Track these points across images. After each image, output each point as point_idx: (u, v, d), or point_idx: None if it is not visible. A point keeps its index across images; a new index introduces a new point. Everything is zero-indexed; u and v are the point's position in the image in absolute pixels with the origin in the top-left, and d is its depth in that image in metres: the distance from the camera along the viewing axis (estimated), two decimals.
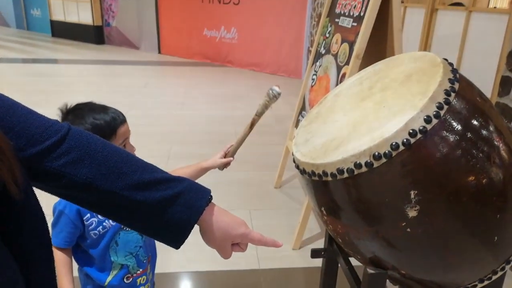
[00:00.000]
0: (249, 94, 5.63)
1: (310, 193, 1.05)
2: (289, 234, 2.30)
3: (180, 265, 1.99)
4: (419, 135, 0.81)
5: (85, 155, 0.65)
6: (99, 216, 1.07)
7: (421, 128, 0.81)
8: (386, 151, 0.81)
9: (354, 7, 1.93)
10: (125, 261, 1.14)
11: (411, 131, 0.81)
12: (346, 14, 2.03)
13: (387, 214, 0.88)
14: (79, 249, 1.12)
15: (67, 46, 9.77)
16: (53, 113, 1.03)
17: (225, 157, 1.24)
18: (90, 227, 1.07)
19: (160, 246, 1.37)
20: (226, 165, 1.25)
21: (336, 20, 2.18)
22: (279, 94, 1.12)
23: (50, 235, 0.66)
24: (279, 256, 2.14)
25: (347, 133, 0.94)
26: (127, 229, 1.12)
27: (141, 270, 1.18)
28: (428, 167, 0.83)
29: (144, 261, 1.19)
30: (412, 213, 0.85)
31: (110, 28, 9.98)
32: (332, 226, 1.02)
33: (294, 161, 1.04)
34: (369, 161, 0.83)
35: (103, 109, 1.04)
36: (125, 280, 1.16)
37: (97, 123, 1.01)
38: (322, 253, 1.40)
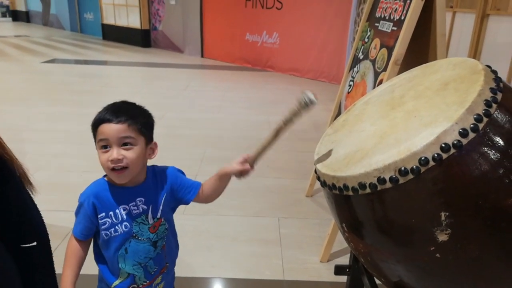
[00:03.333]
0: (288, 99, 5.57)
1: (331, 207, 0.97)
2: (318, 245, 2.21)
3: (203, 271, 1.96)
4: (452, 150, 0.72)
5: None
6: (114, 218, 1.06)
7: (455, 142, 0.72)
8: (414, 167, 0.73)
9: (395, 11, 1.83)
10: (133, 270, 1.10)
11: (443, 145, 0.72)
12: (387, 18, 1.93)
13: (413, 236, 0.79)
14: (97, 245, 1.11)
15: (116, 48, 10.19)
16: (94, 111, 1.07)
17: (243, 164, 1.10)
18: (103, 227, 1.06)
19: (183, 249, 1.33)
20: (243, 173, 1.11)
21: (376, 24, 2.08)
22: (311, 102, 0.88)
23: None
24: (305, 268, 2.06)
25: (372, 145, 0.86)
26: (139, 238, 1.08)
27: (148, 281, 1.13)
28: (463, 187, 0.73)
29: (152, 273, 1.14)
30: (442, 237, 0.76)
31: (156, 32, 10.30)
32: (353, 244, 0.94)
33: (315, 172, 0.98)
34: (394, 176, 0.75)
35: (111, 108, 1.05)
36: None
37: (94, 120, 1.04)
38: (347, 270, 1.32)
